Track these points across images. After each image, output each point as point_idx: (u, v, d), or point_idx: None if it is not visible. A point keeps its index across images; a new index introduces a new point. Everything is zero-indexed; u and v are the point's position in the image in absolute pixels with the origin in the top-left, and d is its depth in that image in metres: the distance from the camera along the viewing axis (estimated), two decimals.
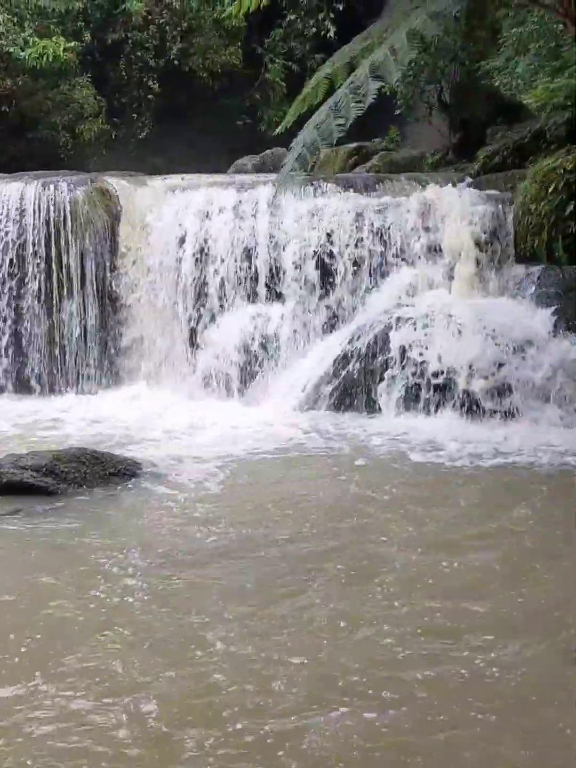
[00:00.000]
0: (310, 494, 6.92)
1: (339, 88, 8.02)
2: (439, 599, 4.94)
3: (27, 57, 15.66)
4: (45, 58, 15.65)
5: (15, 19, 16.03)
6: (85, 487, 6.99)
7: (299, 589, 5.11)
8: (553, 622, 4.67)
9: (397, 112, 13.50)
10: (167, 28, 17.92)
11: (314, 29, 18.56)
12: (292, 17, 18.49)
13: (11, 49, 15.70)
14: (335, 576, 5.28)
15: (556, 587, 5.13)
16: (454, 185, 10.76)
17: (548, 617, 4.73)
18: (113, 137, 17.78)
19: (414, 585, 5.13)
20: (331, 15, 18.34)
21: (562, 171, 9.69)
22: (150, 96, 17.90)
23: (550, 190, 9.72)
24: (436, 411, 8.96)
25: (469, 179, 11.09)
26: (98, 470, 7.21)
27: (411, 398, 9.06)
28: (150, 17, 17.77)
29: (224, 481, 7.20)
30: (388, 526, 6.14)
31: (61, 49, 15.82)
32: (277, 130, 9.49)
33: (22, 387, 10.70)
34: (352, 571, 5.36)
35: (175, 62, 18.00)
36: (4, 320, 10.76)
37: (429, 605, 4.84)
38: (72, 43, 16.35)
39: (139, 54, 17.78)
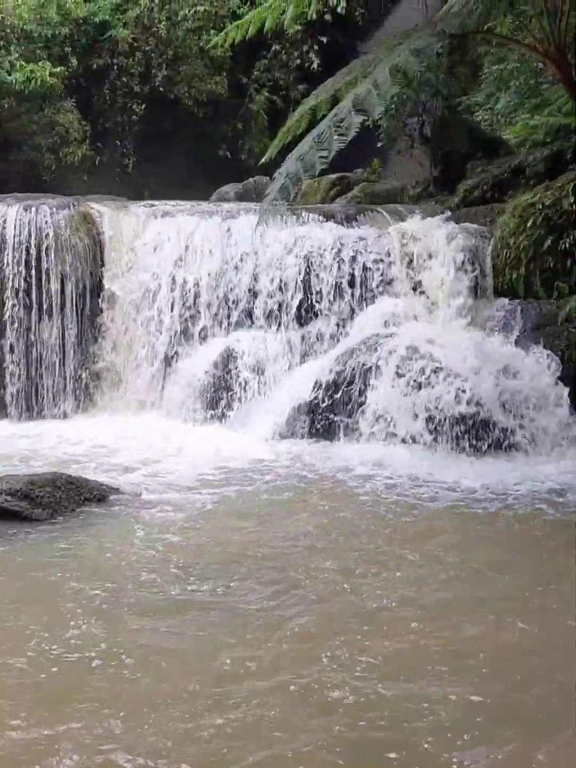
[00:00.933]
0: (286, 525, 6.87)
1: (322, 119, 8.13)
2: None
3: (14, 81, 15.73)
4: (32, 83, 15.72)
5: (1, 43, 16.11)
6: (59, 511, 6.94)
7: (260, 636, 4.90)
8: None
9: (379, 144, 13.64)
10: (153, 55, 18.05)
11: (298, 61, 18.78)
12: (277, 48, 18.71)
13: None
14: (304, 626, 5.06)
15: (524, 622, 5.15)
16: (434, 218, 10.90)
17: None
18: (96, 162, 17.83)
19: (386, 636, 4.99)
20: (315, 47, 18.57)
21: (540, 206, 9.83)
22: (133, 117, 17.98)
23: (528, 224, 9.86)
24: (415, 441, 8.98)
25: (449, 212, 11.21)
26: (73, 495, 7.17)
27: (390, 428, 9.08)
28: (136, 44, 17.89)
29: (199, 510, 7.15)
30: (362, 558, 6.12)
31: (48, 73, 15.90)
32: (262, 160, 9.58)
33: None
34: (325, 611, 5.25)
35: (161, 89, 18.13)
36: None
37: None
38: (58, 68, 16.44)
39: (125, 80, 17.89)
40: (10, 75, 15.85)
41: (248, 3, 18.39)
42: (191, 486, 7.75)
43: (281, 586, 5.52)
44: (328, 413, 9.42)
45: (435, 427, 8.88)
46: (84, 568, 5.87)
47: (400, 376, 9.25)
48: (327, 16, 15.42)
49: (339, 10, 13.96)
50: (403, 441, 8.92)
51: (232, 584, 5.57)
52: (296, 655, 4.66)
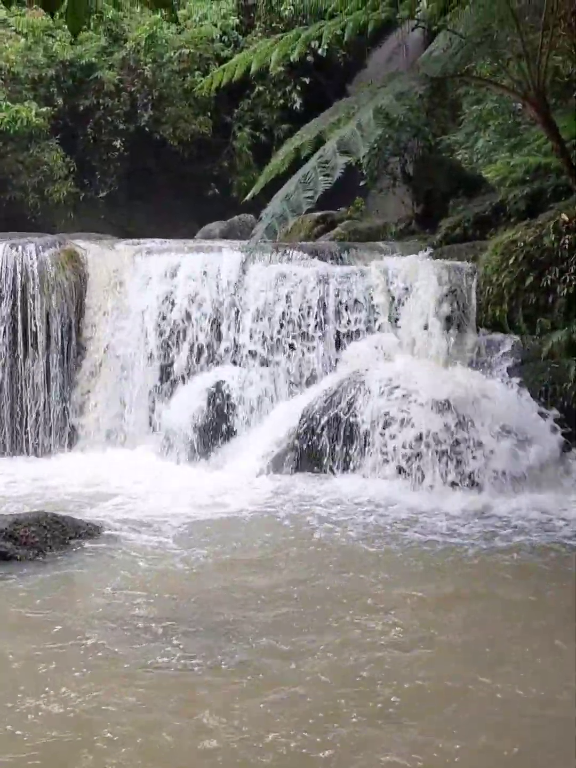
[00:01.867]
0: (270, 563, 6.84)
1: (307, 159, 8.25)
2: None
3: (0, 121, 15.87)
4: (18, 123, 15.87)
5: None
6: (44, 551, 6.91)
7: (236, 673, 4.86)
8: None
9: (362, 182, 13.82)
10: (138, 96, 18.28)
11: (281, 101, 19.06)
12: (261, 89, 18.98)
13: None
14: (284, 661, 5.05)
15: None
16: (417, 254, 11.03)
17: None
18: (82, 199, 17.96)
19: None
20: (298, 88, 18.86)
21: (522, 243, 9.97)
22: (119, 156, 18.15)
23: (511, 261, 9.99)
24: (398, 476, 9.00)
25: (431, 249, 11.35)
26: (58, 534, 7.15)
27: (374, 463, 9.12)
28: (122, 85, 18.11)
29: (185, 549, 7.12)
30: (347, 597, 6.12)
31: (34, 114, 16.05)
32: (246, 198, 9.69)
33: None
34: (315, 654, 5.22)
35: (146, 129, 18.33)
36: None
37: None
38: (44, 109, 16.61)
39: (110, 119, 18.08)
40: None
41: (232, 45, 18.69)
42: (176, 525, 7.73)
43: (264, 641, 5.35)
44: (315, 448, 9.45)
45: (420, 461, 8.92)
46: (67, 613, 5.81)
47: (385, 411, 9.30)
48: (309, 58, 15.69)
49: (321, 52, 14.22)
50: (391, 475, 8.95)
51: (211, 639, 5.39)
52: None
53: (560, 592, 6.21)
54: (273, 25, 18.91)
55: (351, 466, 9.23)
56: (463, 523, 7.76)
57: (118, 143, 17.90)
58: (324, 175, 7.05)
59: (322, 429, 9.46)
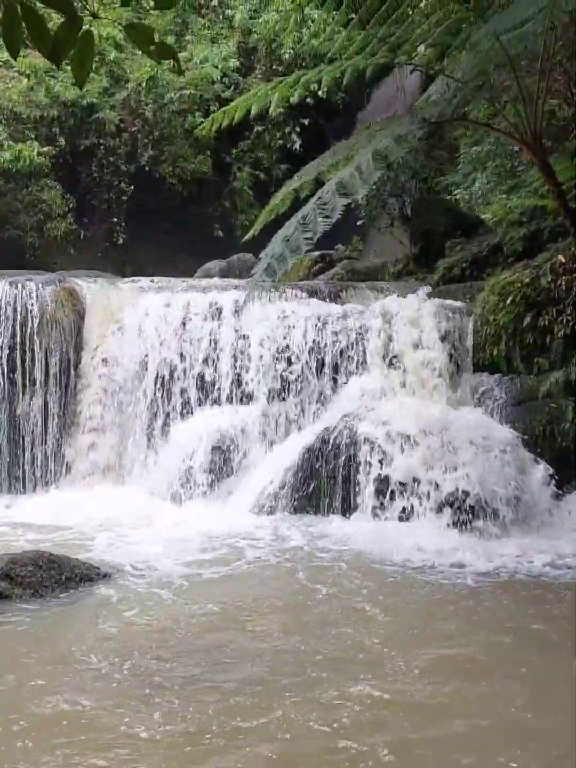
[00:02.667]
0: (269, 606, 6.74)
1: (305, 199, 8.33)
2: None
3: (1, 160, 16.02)
4: (20, 162, 16.03)
5: None
6: (41, 592, 6.86)
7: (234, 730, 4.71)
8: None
9: (360, 222, 13.94)
10: (139, 136, 18.49)
11: (281, 141, 19.30)
12: (260, 129, 19.21)
13: None
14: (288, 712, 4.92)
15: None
16: (414, 294, 11.09)
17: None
18: (81, 238, 18.09)
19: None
20: (297, 129, 19.11)
21: (519, 284, 10.03)
22: (121, 200, 18.34)
23: (508, 301, 10.04)
24: (396, 517, 8.97)
25: (429, 289, 11.42)
26: (54, 575, 7.09)
27: (371, 504, 9.09)
28: (123, 125, 18.33)
29: (182, 589, 7.05)
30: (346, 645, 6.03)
31: (35, 153, 16.22)
32: (245, 238, 9.76)
33: None
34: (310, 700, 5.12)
35: (146, 168, 18.52)
36: None
37: None
38: (46, 148, 16.79)
39: (111, 159, 18.28)
40: None
41: (233, 87, 18.95)
42: (174, 565, 7.67)
43: (272, 686, 5.24)
44: (312, 489, 9.43)
45: (416, 502, 8.90)
46: (62, 653, 5.75)
47: (382, 451, 9.29)
48: (308, 100, 15.90)
49: (320, 94, 14.41)
50: (388, 516, 8.92)
51: (211, 685, 5.28)
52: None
53: None
54: (273, 67, 19.20)
55: (348, 506, 9.20)
56: (459, 565, 7.71)
57: (119, 183, 18.08)
58: (323, 217, 7.12)
59: (319, 469, 9.45)
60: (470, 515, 8.69)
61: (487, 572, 7.54)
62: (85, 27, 2.54)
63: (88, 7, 2.50)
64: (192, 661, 5.60)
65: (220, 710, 4.92)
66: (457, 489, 8.81)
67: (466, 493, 8.78)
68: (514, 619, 6.54)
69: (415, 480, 8.97)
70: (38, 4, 2.54)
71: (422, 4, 9.27)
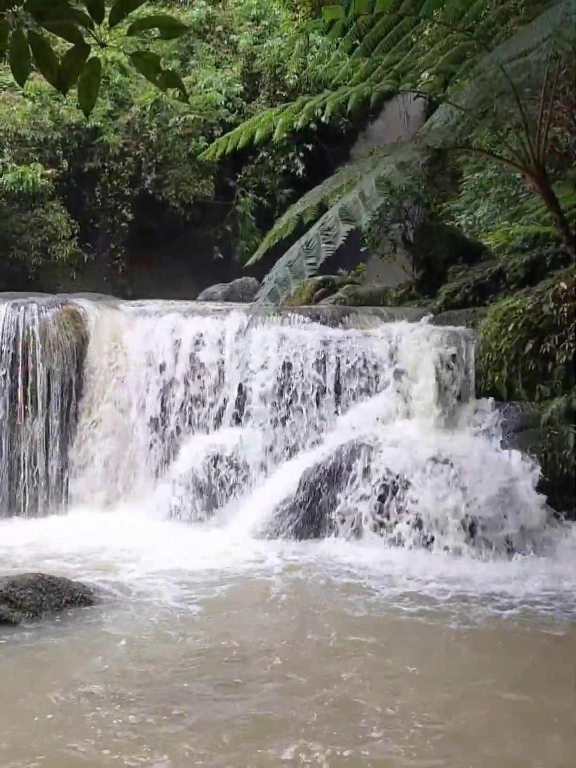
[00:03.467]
0: (271, 634, 6.69)
1: (309, 224, 8.35)
2: None
3: (5, 182, 16.10)
4: (23, 184, 16.10)
5: None
6: (40, 614, 6.82)
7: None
8: None
9: (363, 248, 13.98)
10: (143, 159, 18.59)
11: (284, 166, 19.39)
12: (264, 154, 19.31)
13: None
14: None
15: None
16: (417, 320, 11.10)
17: None
18: (85, 260, 18.15)
19: None
20: (301, 154, 19.21)
21: (521, 311, 10.03)
22: (123, 223, 18.41)
23: (510, 328, 10.04)
24: (399, 543, 8.93)
25: (431, 314, 11.42)
26: (54, 598, 7.05)
27: (373, 528, 9.05)
28: (126, 149, 18.43)
29: (181, 614, 7.01)
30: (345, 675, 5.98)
31: (39, 175, 16.30)
32: (248, 262, 9.77)
33: None
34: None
35: (149, 192, 18.60)
36: None
37: None
38: (49, 170, 16.87)
39: (115, 182, 18.36)
40: (1, 176, 16.24)
41: (236, 112, 19.08)
42: (174, 589, 7.63)
43: (274, 721, 5.14)
44: (313, 512, 9.39)
45: (420, 527, 8.86)
46: (62, 677, 5.70)
47: (384, 475, 9.26)
48: (312, 125, 15.98)
49: (323, 119, 14.47)
50: (392, 541, 8.88)
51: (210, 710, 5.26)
52: None
53: None
54: (277, 92, 19.34)
55: (350, 530, 9.16)
56: (462, 592, 7.65)
57: (123, 208, 18.16)
58: (327, 243, 7.13)
59: (320, 494, 9.41)
60: (474, 541, 8.65)
61: (494, 599, 7.46)
62: (91, 54, 2.55)
63: (95, 35, 2.51)
64: (193, 690, 5.53)
65: (224, 744, 4.85)
66: (460, 515, 8.77)
67: (470, 520, 8.74)
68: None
69: (417, 505, 8.93)
70: (45, 32, 2.55)
71: (427, 32, 9.32)
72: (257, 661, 6.12)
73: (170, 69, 2.67)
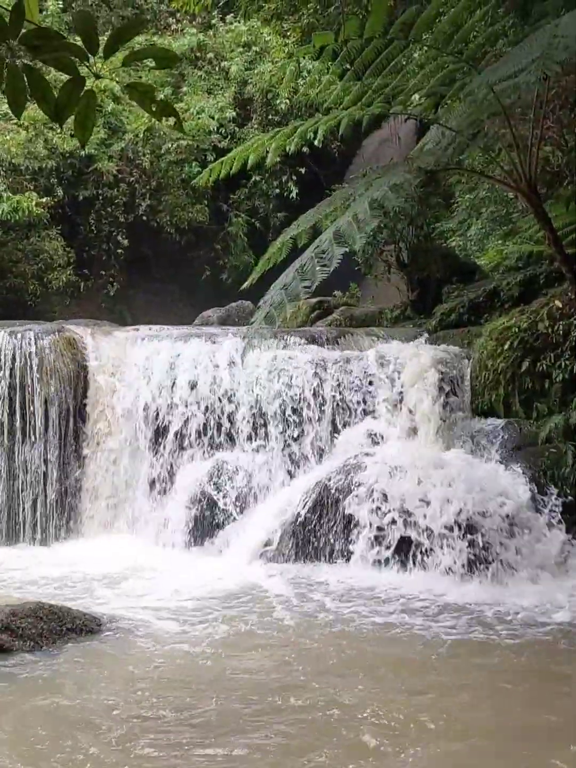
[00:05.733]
0: (275, 662, 6.57)
1: (303, 248, 8.40)
2: None
3: (1, 212, 16.17)
4: (19, 213, 16.17)
5: None
6: (41, 644, 6.78)
7: None
8: None
9: (357, 267, 14.04)
10: (137, 186, 18.69)
11: (277, 190, 19.51)
12: (257, 178, 19.43)
13: None
14: None
15: None
16: (412, 340, 11.13)
17: None
18: (81, 287, 18.21)
19: None
20: (293, 177, 19.34)
21: (517, 329, 10.06)
22: (119, 250, 18.49)
23: (506, 347, 10.07)
24: (398, 565, 8.90)
25: (426, 335, 11.46)
26: (55, 626, 7.02)
27: (372, 551, 9.02)
28: (120, 176, 18.53)
29: (185, 642, 6.95)
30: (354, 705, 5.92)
31: (34, 204, 16.38)
32: (244, 287, 9.82)
33: None
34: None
35: (144, 218, 18.69)
36: None
37: None
38: (44, 199, 16.95)
39: (110, 209, 18.45)
40: None
41: (229, 137, 19.21)
42: (177, 616, 7.58)
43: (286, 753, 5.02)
44: (313, 535, 9.36)
45: (418, 549, 8.83)
46: (64, 712, 5.63)
47: (381, 497, 9.24)
48: (305, 149, 16.10)
49: (316, 143, 14.59)
50: (392, 564, 8.85)
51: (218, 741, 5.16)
52: None
53: None
54: (269, 117, 19.49)
55: (348, 554, 9.12)
56: (466, 615, 7.62)
57: (118, 235, 18.24)
58: (321, 266, 7.17)
59: (319, 516, 9.39)
60: (477, 563, 8.62)
61: (506, 622, 7.41)
62: (87, 86, 2.58)
63: (89, 67, 2.54)
64: (196, 720, 5.46)
65: None
66: (461, 536, 8.75)
67: (472, 540, 8.71)
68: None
69: (417, 526, 8.91)
70: (41, 64, 2.58)
71: (416, 55, 9.42)
72: (265, 688, 6.04)
73: (164, 99, 2.70)
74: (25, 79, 2.51)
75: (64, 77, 2.64)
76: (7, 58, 2.45)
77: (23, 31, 2.39)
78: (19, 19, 2.34)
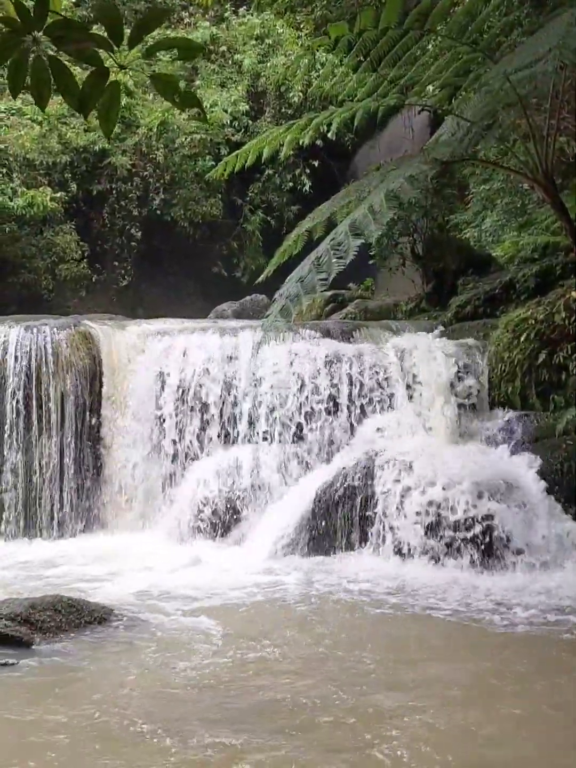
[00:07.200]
0: (295, 656, 6.56)
1: (318, 240, 8.37)
2: None
3: (15, 206, 16.22)
4: (34, 208, 16.21)
5: (4, 171, 16.69)
6: (60, 636, 6.81)
7: None
8: None
9: (371, 261, 14.00)
10: (151, 180, 18.70)
11: (291, 183, 19.48)
12: (271, 172, 19.39)
13: (0, 199, 16.29)
14: None
15: None
16: (428, 333, 11.09)
17: None
18: (94, 281, 18.24)
19: None
20: (307, 171, 19.29)
21: (533, 321, 10.03)
22: (132, 243, 18.50)
23: (522, 339, 10.03)
24: (415, 556, 8.89)
25: (442, 327, 11.42)
26: (73, 619, 7.05)
27: (393, 543, 9.01)
28: (134, 170, 18.54)
29: (201, 633, 6.97)
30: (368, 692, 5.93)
31: (48, 198, 16.41)
32: (259, 280, 9.79)
33: None
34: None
35: (158, 212, 18.70)
36: None
37: None
38: (58, 194, 16.98)
39: (123, 204, 18.47)
40: (11, 201, 16.36)
41: (242, 131, 19.18)
42: (193, 608, 7.61)
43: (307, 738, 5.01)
44: (329, 529, 9.36)
45: (437, 542, 8.83)
46: (81, 701, 5.65)
47: (398, 490, 9.23)
48: (318, 142, 16.06)
49: (329, 135, 14.56)
50: (408, 556, 8.84)
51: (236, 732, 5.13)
52: None
53: None
54: (282, 110, 19.44)
55: (365, 547, 9.13)
56: (487, 605, 7.62)
57: (131, 229, 18.26)
58: (337, 258, 7.15)
59: (336, 509, 9.39)
60: (493, 556, 8.60)
61: (526, 613, 7.39)
62: (111, 78, 2.58)
63: (115, 58, 2.54)
64: (214, 716, 5.43)
65: None
66: (478, 529, 8.73)
67: (489, 533, 8.70)
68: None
69: (434, 519, 8.90)
70: (65, 56, 2.58)
71: (431, 46, 9.37)
72: (283, 681, 6.04)
73: (187, 89, 2.70)
74: (50, 70, 2.51)
75: (89, 71, 2.63)
76: (32, 50, 2.46)
77: (48, 22, 2.39)
78: (43, 10, 2.35)
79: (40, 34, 2.39)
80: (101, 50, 2.50)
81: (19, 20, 2.36)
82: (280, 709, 5.47)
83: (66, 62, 2.56)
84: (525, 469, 9.35)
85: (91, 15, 17.61)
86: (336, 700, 5.62)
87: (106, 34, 2.48)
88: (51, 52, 2.56)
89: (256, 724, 5.23)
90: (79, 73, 2.74)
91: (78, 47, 2.44)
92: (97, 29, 2.61)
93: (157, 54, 2.83)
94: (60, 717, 5.40)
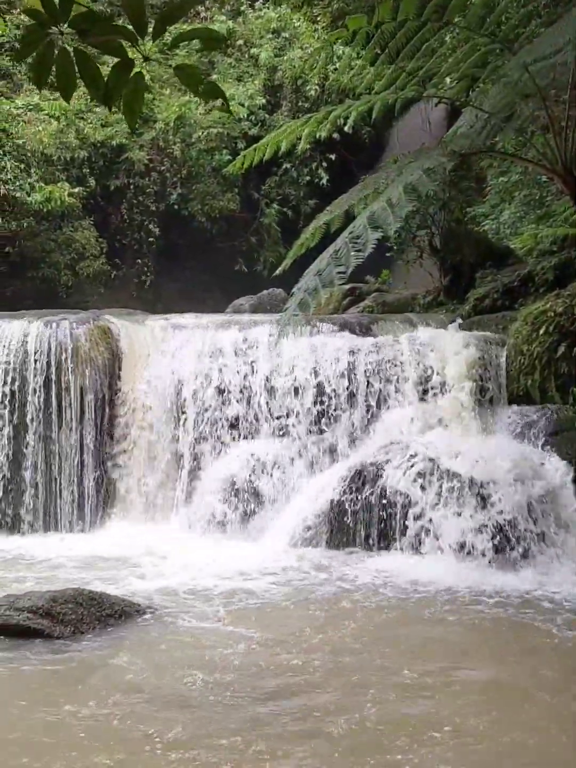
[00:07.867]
0: (316, 647, 6.58)
1: (336, 233, 8.37)
2: None
3: (33, 201, 16.29)
4: (51, 203, 16.28)
5: (22, 166, 16.76)
6: (81, 629, 6.86)
7: None
8: None
9: (389, 253, 13.97)
10: (168, 175, 18.72)
11: (308, 177, 19.45)
12: (288, 166, 19.38)
13: (18, 194, 16.36)
14: None
15: None
16: (446, 326, 11.06)
17: None
18: (112, 276, 18.30)
19: None
20: (324, 164, 19.26)
21: (552, 314, 9.98)
22: (150, 239, 18.54)
23: (541, 331, 9.99)
24: (433, 551, 8.88)
25: (460, 320, 11.38)
26: (95, 612, 7.09)
27: (411, 537, 9.01)
28: (151, 165, 18.58)
29: (221, 626, 7.00)
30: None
31: (66, 194, 16.47)
32: (276, 273, 9.81)
33: (17, 524, 10.60)
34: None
35: (175, 207, 18.73)
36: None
37: None
38: (76, 189, 17.03)
39: (141, 199, 18.51)
40: (29, 196, 16.43)
41: (259, 125, 19.16)
42: (213, 601, 7.64)
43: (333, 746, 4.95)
44: (347, 523, 9.37)
45: (458, 537, 8.81)
46: (103, 697, 5.67)
47: (419, 485, 9.22)
48: (335, 135, 16.04)
49: (346, 129, 14.53)
50: (426, 551, 8.84)
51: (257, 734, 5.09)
52: None
53: None
54: (299, 104, 19.41)
55: (384, 541, 9.13)
56: (508, 603, 7.60)
57: (149, 223, 18.30)
58: (356, 251, 7.15)
59: (355, 503, 9.39)
60: (512, 550, 8.58)
61: (550, 606, 7.39)
62: (135, 70, 2.60)
63: (140, 50, 2.55)
64: (230, 717, 5.42)
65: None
66: (497, 524, 8.71)
67: (508, 528, 8.67)
68: None
69: (453, 513, 8.89)
70: (90, 48, 2.60)
71: (448, 38, 9.34)
72: (307, 677, 6.04)
73: (211, 80, 2.71)
74: (75, 63, 2.53)
75: (114, 63, 2.63)
76: (57, 42, 2.47)
77: (73, 14, 2.40)
78: (68, 3, 2.36)
79: (65, 26, 2.41)
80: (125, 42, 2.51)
81: (44, 12, 2.37)
82: (299, 712, 5.45)
83: (90, 54, 2.57)
84: (545, 461, 9.31)
85: (109, 11, 17.62)
86: (333, 702, 5.55)
87: (130, 26, 2.49)
88: (77, 45, 2.58)
89: (274, 726, 5.22)
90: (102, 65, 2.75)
91: (103, 40, 2.46)
92: (119, 21, 2.63)
93: (175, 48, 2.83)
94: (79, 709, 5.44)
